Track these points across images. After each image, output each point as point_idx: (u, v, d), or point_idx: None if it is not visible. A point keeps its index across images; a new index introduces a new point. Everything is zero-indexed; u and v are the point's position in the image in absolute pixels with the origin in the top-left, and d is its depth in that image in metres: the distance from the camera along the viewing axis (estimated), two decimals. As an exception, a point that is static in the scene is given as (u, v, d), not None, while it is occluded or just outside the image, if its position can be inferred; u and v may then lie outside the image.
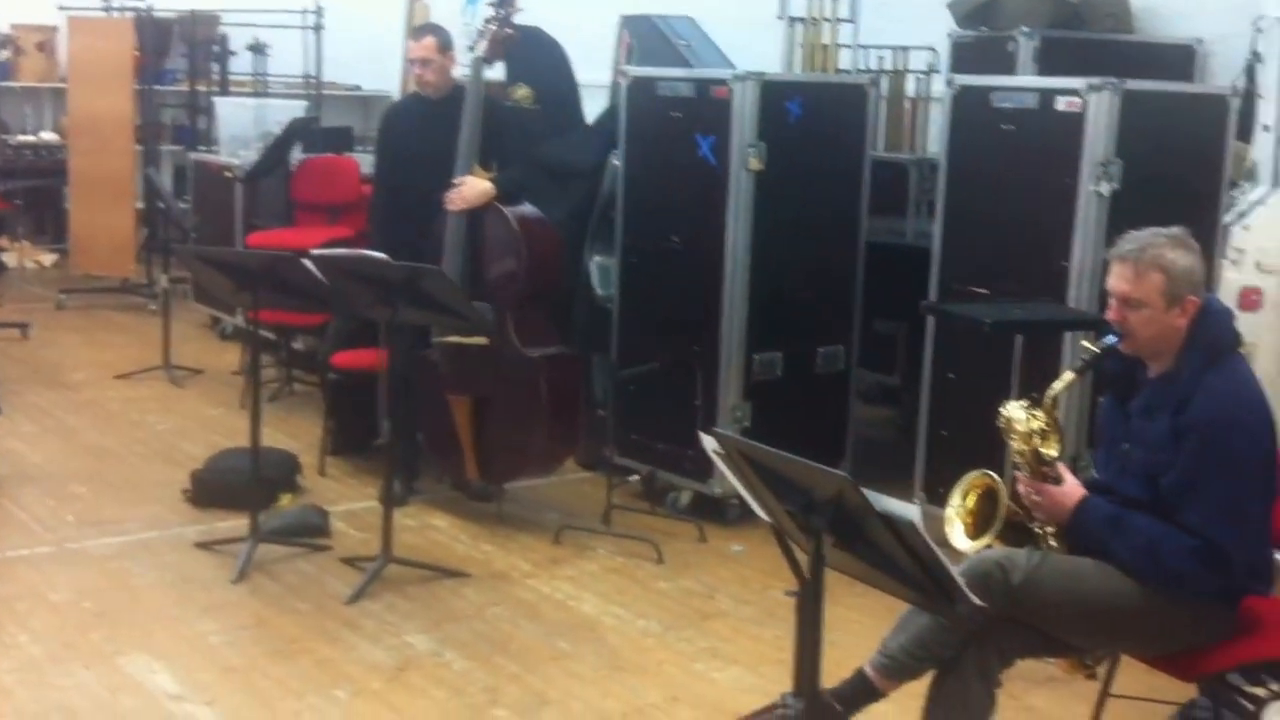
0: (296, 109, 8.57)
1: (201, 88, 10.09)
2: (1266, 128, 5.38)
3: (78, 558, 4.92)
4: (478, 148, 5.27)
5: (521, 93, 6.24)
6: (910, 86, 7.73)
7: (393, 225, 5.49)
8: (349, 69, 10.53)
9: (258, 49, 9.54)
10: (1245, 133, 5.50)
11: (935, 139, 6.21)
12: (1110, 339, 3.18)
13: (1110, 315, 3.18)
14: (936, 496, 4.72)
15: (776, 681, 3.90)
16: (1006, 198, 4.96)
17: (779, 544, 2.95)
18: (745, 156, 5.20)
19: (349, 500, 5.61)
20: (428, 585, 4.74)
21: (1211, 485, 3.01)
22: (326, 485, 5.80)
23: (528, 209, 5.36)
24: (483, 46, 5.37)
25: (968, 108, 5.08)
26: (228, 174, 7.99)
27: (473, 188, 5.23)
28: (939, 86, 5.96)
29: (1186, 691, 3.74)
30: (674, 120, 5.43)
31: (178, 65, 10.61)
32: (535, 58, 6.27)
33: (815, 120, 5.40)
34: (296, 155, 7.78)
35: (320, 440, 6.05)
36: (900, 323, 6.69)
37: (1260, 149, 5.43)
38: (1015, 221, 4.94)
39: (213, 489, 5.43)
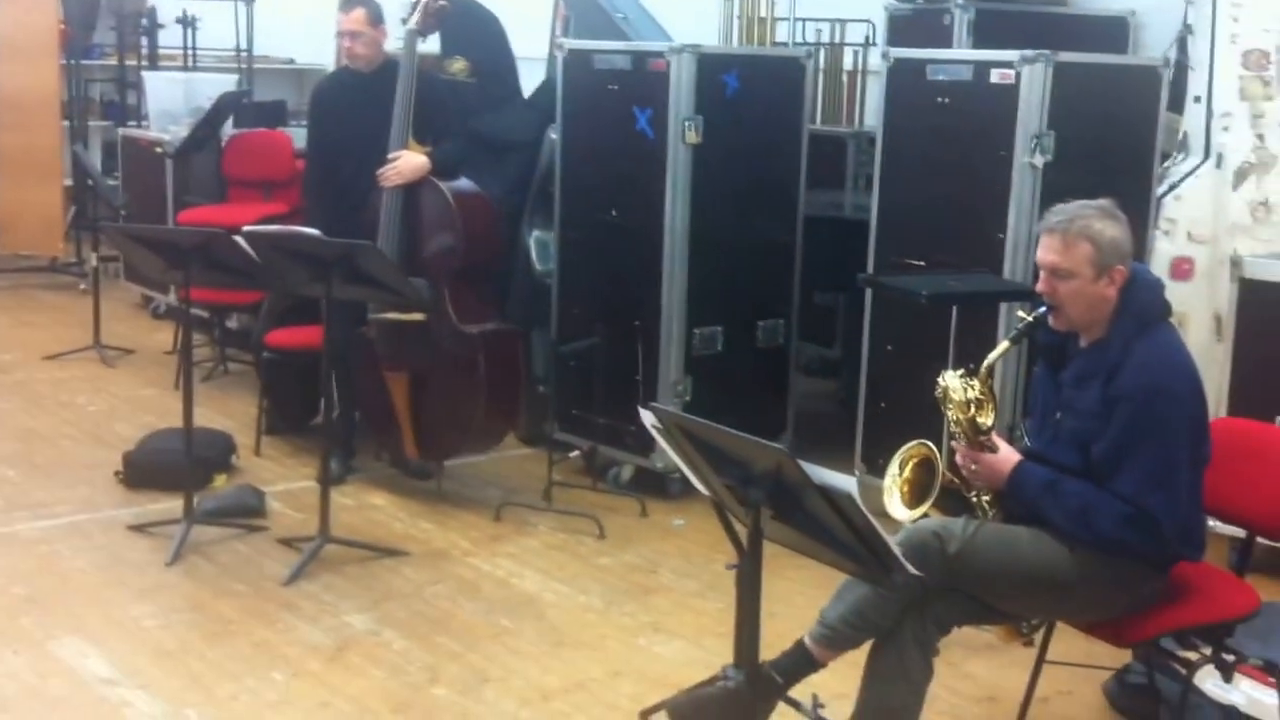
0: (228, 83, 8.44)
1: (130, 62, 9.92)
2: (1198, 99, 5.44)
3: (7, 542, 4.84)
4: (411, 122, 5.21)
5: (457, 66, 6.17)
6: (848, 59, 7.76)
7: (327, 201, 5.43)
8: (282, 42, 10.39)
9: (187, 22, 9.40)
10: (1177, 104, 5.55)
11: (873, 112, 6.22)
12: (1044, 308, 3.20)
13: (1040, 287, 3.20)
14: (876, 467, 4.74)
15: (718, 654, 3.91)
16: (942, 170, 4.98)
17: (719, 518, 2.95)
18: (683, 130, 5.18)
19: (285, 480, 5.55)
20: (366, 565, 4.70)
21: (1141, 452, 3.04)
22: (262, 465, 5.74)
23: (464, 183, 5.31)
24: (416, 19, 5.30)
25: (903, 81, 5.09)
26: (158, 150, 7.88)
27: (408, 163, 5.17)
28: (876, 59, 5.97)
29: (1121, 657, 3.79)
30: (611, 93, 5.40)
31: (105, 39, 10.42)
32: (470, 30, 6.20)
33: (752, 93, 5.38)
34: (228, 130, 7.68)
35: (256, 420, 5.99)
36: (840, 295, 6.73)
37: (1191, 120, 5.49)
38: (951, 194, 4.96)
39: (145, 470, 5.36)
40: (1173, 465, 3.06)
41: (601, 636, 4.24)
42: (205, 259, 4.68)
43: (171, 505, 4.97)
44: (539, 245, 5.99)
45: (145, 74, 9.16)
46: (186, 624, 4.25)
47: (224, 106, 7.47)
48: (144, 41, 9.89)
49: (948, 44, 6.17)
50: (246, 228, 4.72)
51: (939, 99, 4.95)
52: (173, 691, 3.81)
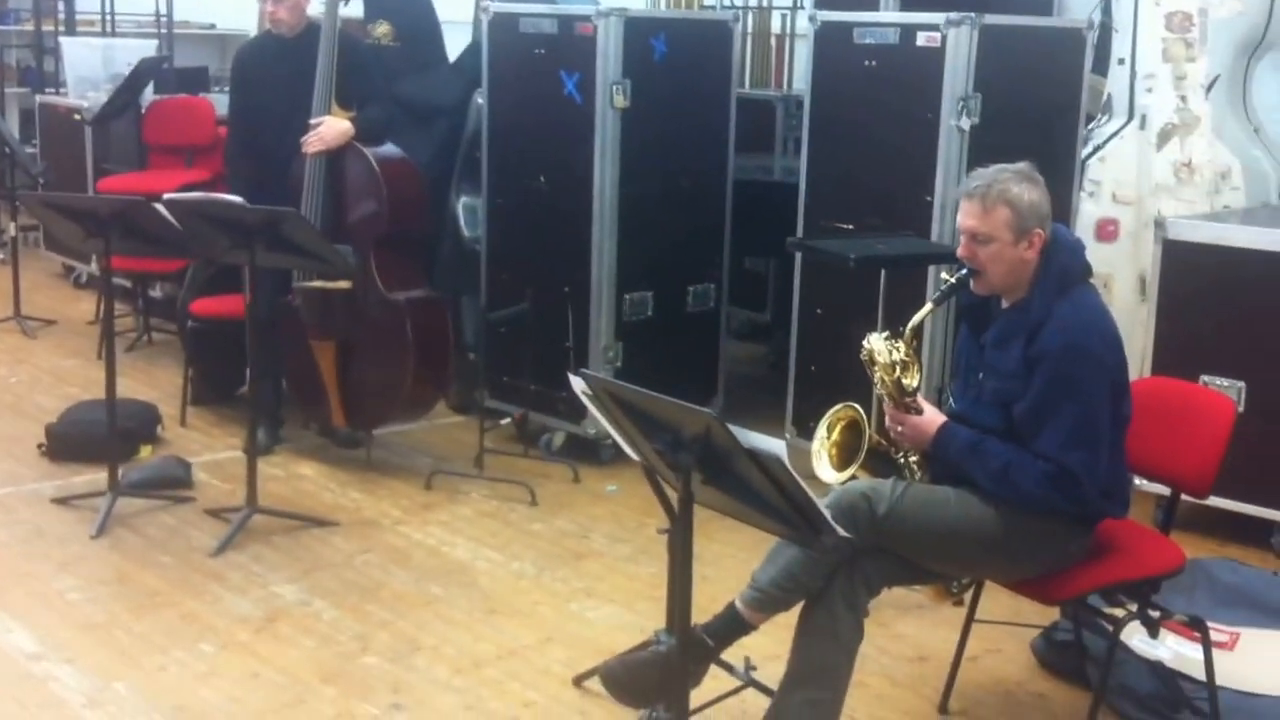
0: (147, 49, 8.29)
1: (47, 27, 9.72)
2: (1121, 61, 5.49)
3: (-72, 517, 4.76)
4: (334, 87, 5.14)
5: (381, 30, 6.09)
6: (776, 23, 7.75)
7: (251, 167, 5.35)
8: (203, 7, 10.21)
9: (106, -14, 9.21)
10: (1101, 66, 5.60)
11: (802, 76, 6.21)
12: (967, 269, 3.22)
13: (961, 252, 3.22)
14: (807, 431, 4.76)
15: (651, 618, 3.92)
16: (871, 134, 4.99)
17: (649, 482, 2.95)
18: (611, 94, 5.15)
19: (212, 450, 5.49)
20: (295, 535, 4.66)
21: (1061, 411, 3.07)
22: (188, 436, 5.67)
23: (389, 149, 5.25)
24: (338, -17, 5.23)
25: (830, 44, 5.08)
26: (76, 117, 7.75)
27: (331, 128, 5.10)
28: (804, 23, 5.95)
29: (1049, 615, 3.84)
30: (538, 58, 5.36)
31: (21, 4, 10.19)
32: (394, -6, 6.14)
33: (680, 57, 5.36)
34: (148, 97, 7.55)
35: (181, 390, 5.91)
36: (770, 259, 6.75)
37: (1116, 82, 5.55)
38: (879, 157, 4.97)
39: (69, 442, 5.28)
40: (1093, 424, 3.09)
41: (534, 603, 4.23)
42: (125, 227, 4.60)
43: (96, 477, 4.90)
44: (467, 211, 5.94)
45: (63, 40, 8.97)
46: (113, 597, 4.19)
47: (143, 73, 7.34)
48: (61, 7, 9.69)
49: (875, 7, 6.17)
50: (167, 195, 4.64)
51: (866, 62, 4.95)
52: (100, 665, 3.76)
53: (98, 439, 4.97)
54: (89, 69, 8.14)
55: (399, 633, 3.99)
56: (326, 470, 5.33)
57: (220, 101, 7.08)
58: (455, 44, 6.43)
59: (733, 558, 4.28)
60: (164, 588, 4.24)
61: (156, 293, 7.22)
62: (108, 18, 9.34)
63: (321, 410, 5.41)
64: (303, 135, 5.12)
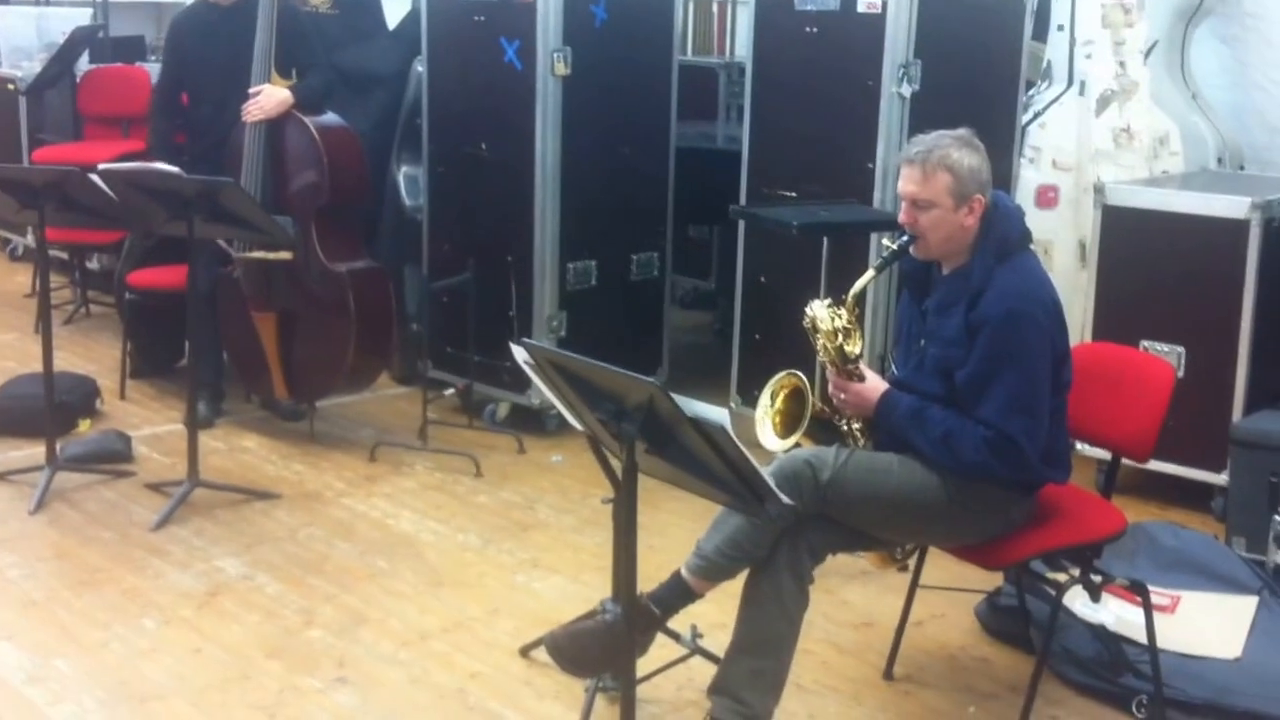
0: (82, 18, 8.16)
1: (-22, -5, 9.52)
2: (1061, 27, 5.51)
3: None
4: (273, 55, 5.07)
5: (318, -3, 6.03)
6: (718, -11, 7.73)
7: (171, 129, 5.34)
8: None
9: (38, -46, 9.02)
10: (1041, 32, 5.62)
11: (744, 43, 6.20)
12: (908, 236, 3.22)
13: (902, 218, 3.22)
14: (752, 399, 4.72)
15: (597, 589, 3.92)
16: (813, 101, 4.98)
17: (594, 452, 2.93)
18: (551, 61, 5.11)
19: (152, 424, 5.43)
20: (237, 508, 4.62)
21: (1001, 377, 3.08)
22: (128, 409, 5.60)
23: (329, 118, 5.19)
24: (276, -51, 5.15)
25: (772, 11, 5.07)
26: (10, 87, 7.62)
27: (270, 97, 5.04)
28: (746, -11, 5.95)
29: (993, 580, 3.87)
30: (478, 25, 5.31)
31: (-49, -28, 9.98)
32: (332, -40, 6.06)
33: (621, 24, 5.33)
34: (84, 66, 7.42)
35: (120, 363, 5.84)
36: (714, 227, 6.74)
37: (1055, 48, 5.57)
38: (821, 124, 4.96)
39: (5, 417, 5.20)
40: (1033, 389, 3.10)
41: (480, 575, 4.22)
42: (60, 198, 4.53)
43: (33, 452, 4.83)
44: (408, 181, 5.89)
45: (-6, 8, 8.80)
46: (52, 573, 4.14)
47: (78, 42, 7.23)
48: (-9, -26, 9.48)
49: (817, -26, 6.15)
50: (102, 165, 4.57)
51: (807, 29, 4.94)
52: (40, 642, 3.71)
53: (35, 413, 4.90)
54: (22, 38, 8.02)
55: (343, 606, 3.97)
56: (269, 443, 5.28)
57: (156, 71, 6.97)
58: (394, 12, 6.36)
59: (679, 526, 4.28)
60: (104, 563, 4.19)
61: (94, 265, 7.12)
62: (41, -15, 9.16)
63: (263, 382, 5.36)
64: (241, 104, 5.05)
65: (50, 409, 4.76)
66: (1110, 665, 3.52)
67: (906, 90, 4.73)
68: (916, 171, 3.17)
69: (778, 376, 3.35)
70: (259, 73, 5.07)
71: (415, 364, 5.64)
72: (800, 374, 3.33)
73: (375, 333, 5.24)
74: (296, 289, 5.13)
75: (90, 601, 3.95)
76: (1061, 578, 3.35)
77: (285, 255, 5.05)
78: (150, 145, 5.40)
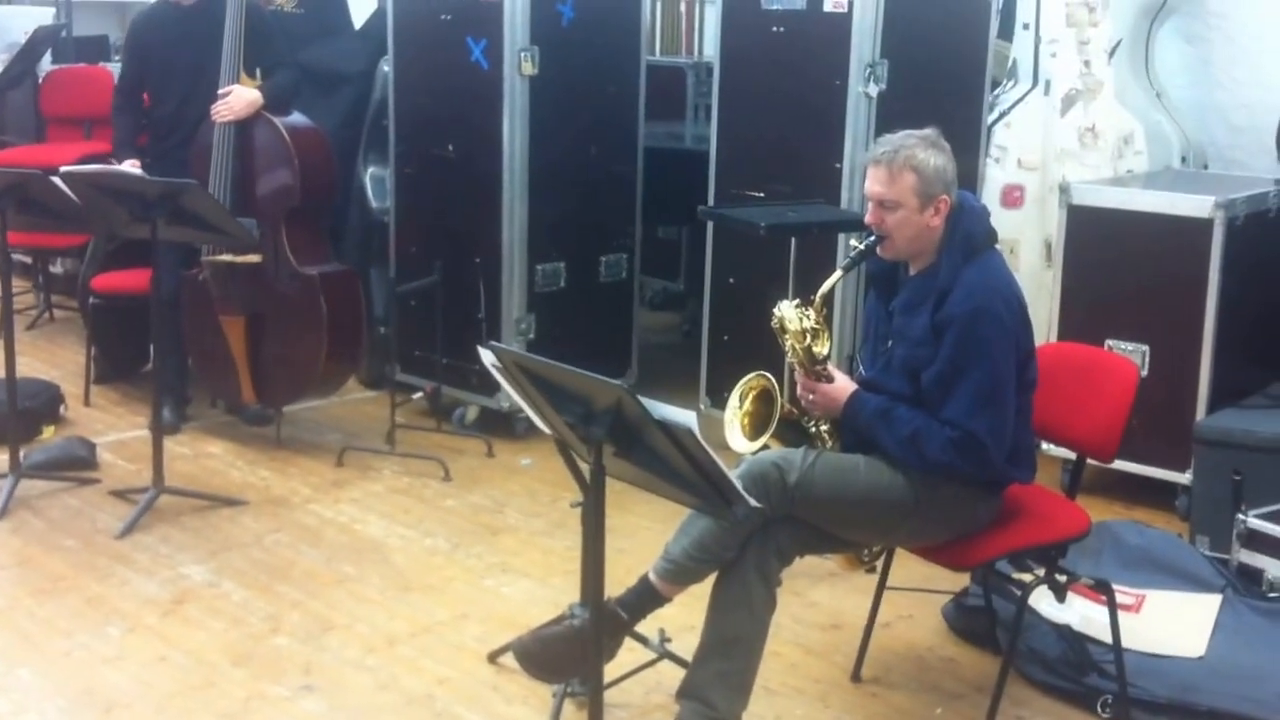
0: (44, 16, 8.07)
1: (-62, -5, 9.43)
2: (1026, 26, 5.53)
3: None
4: (241, 55, 5.04)
5: (283, -4, 6.00)
6: (685, -11, 7.72)
7: (133, 126, 5.30)
8: (102, -26, 9.96)
9: (-1, -47, 8.94)
10: (1006, 31, 5.63)
11: (712, 42, 6.19)
12: (875, 236, 3.23)
13: (868, 218, 3.23)
14: (721, 400, 4.74)
15: (566, 592, 3.91)
16: (779, 100, 4.98)
17: (562, 456, 2.93)
18: (518, 61, 5.10)
19: (117, 430, 5.39)
20: (203, 515, 4.59)
21: (967, 377, 3.09)
22: (92, 415, 5.56)
23: (298, 118, 5.17)
24: (241, -52, 5.12)
25: (739, 10, 5.07)
26: (-30, 88, 7.51)
27: (240, 98, 5.01)
28: (712, -11, 5.94)
29: (959, 581, 3.88)
30: (444, 24, 5.29)
31: (-89, -29, 9.88)
32: (297, -41, 6.03)
33: (588, 23, 5.32)
34: (46, 66, 7.36)
35: (84, 368, 5.79)
36: (682, 228, 6.74)
37: (1020, 47, 5.58)
38: (789, 124, 4.97)
39: (-32, 424, 5.15)
40: (997, 388, 3.11)
41: (448, 579, 4.20)
42: (21, 201, 4.49)
43: (-4, 459, 4.80)
44: (375, 182, 5.86)
45: (-46, 8, 8.71)
46: (14, 581, 4.10)
47: (40, 41, 7.16)
48: (-49, -27, 9.39)
49: (783, -27, 6.15)
50: (64, 168, 4.53)
51: (774, 28, 4.94)
52: (2, 650, 3.68)
53: (-2, 420, 4.86)
54: (-18, 38, 7.92)
55: (310, 612, 3.94)
56: (235, 448, 5.25)
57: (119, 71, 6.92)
58: (361, 11, 6.33)
59: (648, 530, 4.27)
60: (68, 571, 4.16)
61: (57, 268, 7.07)
62: (2, -15, 9.07)
63: (229, 387, 5.32)
64: (205, 104, 5.03)
65: (13, 415, 4.72)
66: (1076, 665, 3.53)
67: (873, 90, 4.73)
68: (883, 172, 3.17)
69: (746, 378, 3.35)
70: (227, 73, 5.04)
71: (383, 367, 5.61)
72: (769, 375, 3.33)
73: (346, 337, 5.22)
74: (266, 292, 5.10)
75: (53, 609, 3.92)
76: (1027, 578, 3.36)
77: (254, 258, 5.02)
78: (114, 145, 5.35)
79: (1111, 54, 5.46)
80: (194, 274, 5.20)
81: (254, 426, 5.41)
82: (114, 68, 7.33)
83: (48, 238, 6.24)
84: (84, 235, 5.91)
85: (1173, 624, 3.62)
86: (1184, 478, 4.59)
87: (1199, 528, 4.31)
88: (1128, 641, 3.38)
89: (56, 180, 4.42)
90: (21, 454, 4.72)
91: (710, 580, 3.19)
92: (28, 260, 7.15)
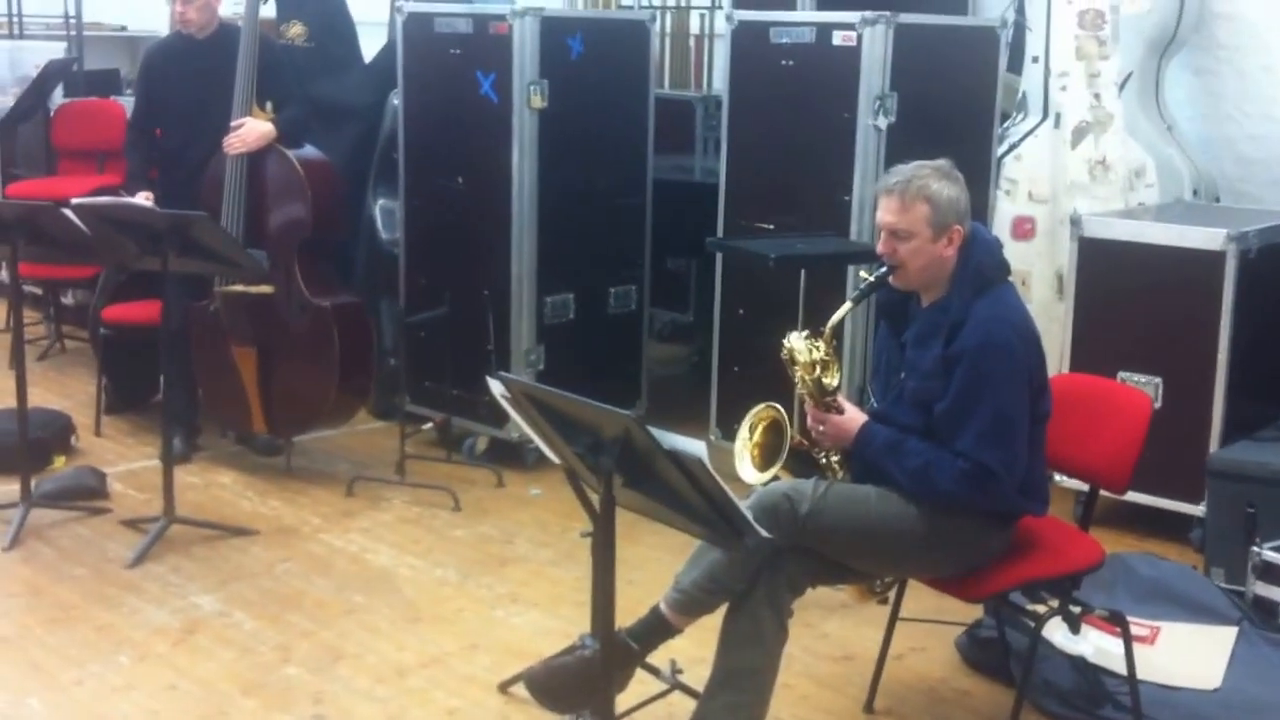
0: (56, 50, 8.13)
1: (-48, 30, 9.50)
2: (1035, 59, 5.54)
3: None
4: (254, 88, 5.07)
5: (294, 30, 6.01)
6: (695, 23, 7.75)
7: (163, 169, 5.30)
8: (114, 8, 10.04)
9: (11, -12, 9.01)
10: (1016, 64, 5.65)
11: (720, 76, 6.21)
12: (885, 267, 3.23)
13: (880, 248, 3.22)
14: (731, 432, 4.72)
15: (576, 623, 3.89)
16: (789, 133, 5.00)
17: (572, 486, 2.92)
18: (528, 94, 5.12)
19: (128, 460, 5.39)
20: (214, 544, 4.59)
21: (979, 409, 3.08)
22: (103, 445, 5.56)
23: (309, 151, 5.19)
24: (254, -18, 5.16)
25: (748, 43, 5.08)
26: (-17, 121, 7.56)
27: (252, 130, 5.03)
28: (722, 23, 5.96)
29: (973, 612, 3.86)
30: (454, 58, 5.31)
31: (-75, 6, 9.95)
32: (308, -7, 6.07)
33: (597, 57, 5.34)
34: (58, 100, 7.40)
35: (95, 398, 5.80)
36: (691, 260, 6.74)
37: (1030, 80, 5.59)
38: (798, 156, 4.98)
39: (-22, 453, 5.16)
40: (1010, 421, 3.10)
41: (458, 610, 4.19)
42: (33, 232, 4.51)
43: (8, 489, 4.80)
44: (384, 214, 5.88)
45: (-33, 43, 8.77)
46: (25, 610, 4.10)
47: (51, 75, 7.21)
48: (-36, 9, 9.46)
49: (792, 7, 6.18)
50: (75, 200, 4.55)
51: (783, 62, 4.96)
52: (12, 679, 3.68)
53: (9, 449, 4.86)
54: (-5, 72, 7.98)
55: (320, 642, 3.93)
56: (245, 478, 5.25)
57: (131, 104, 6.96)
58: (371, 45, 6.36)
59: (658, 560, 4.26)
60: (78, 600, 4.15)
61: (68, 300, 7.09)
62: (15, 19, 9.14)
63: (239, 417, 5.32)
64: (216, 137, 5.05)
65: (24, 445, 4.73)
66: (1090, 697, 3.51)
67: (882, 123, 4.74)
68: (895, 201, 3.17)
69: (756, 409, 3.34)
70: (239, 105, 5.06)
71: (392, 398, 5.62)
72: (779, 406, 3.32)
73: (357, 367, 5.23)
74: (278, 323, 5.11)
75: (64, 638, 3.91)
76: (1041, 609, 3.34)
77: (266, 289, 5.03)
78: (127, 178, 5.37)
79: (1122, 87, 5.47)
80: (205, 305, 5.21)
81: (264, 456, 5.41)
82: (125, 101, 7.39)
83: (59, 269, 6.28)
84: (95, 267, 5.93)
85: (1188, 656, 3.60)
86: (1198, 510, 4.57)
87: (1214, 560, 4.28)
88: (1143, 673, 3.36)
89: (67, 212, 4.45)
90: (33, 483, 4.73)
91: (721, 611, 3.18)
92: (39, 291, 7.18)
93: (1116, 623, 3.32)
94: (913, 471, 3.12)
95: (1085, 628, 3.42)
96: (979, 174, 5.05)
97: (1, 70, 7.94)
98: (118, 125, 7.11)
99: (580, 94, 5.27)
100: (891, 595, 3.58)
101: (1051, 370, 3.46)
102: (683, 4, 7.67)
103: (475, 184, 5.34)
